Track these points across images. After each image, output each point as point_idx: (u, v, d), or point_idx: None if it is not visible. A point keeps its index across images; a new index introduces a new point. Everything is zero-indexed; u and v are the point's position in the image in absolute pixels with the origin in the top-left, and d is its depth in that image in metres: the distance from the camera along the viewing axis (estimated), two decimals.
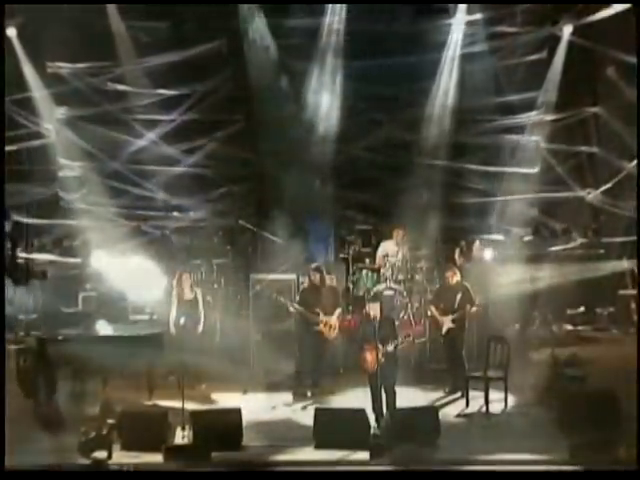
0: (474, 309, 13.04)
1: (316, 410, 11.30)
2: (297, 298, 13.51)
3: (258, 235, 16.78)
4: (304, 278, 13.92)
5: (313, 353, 13.20)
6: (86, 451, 10.16)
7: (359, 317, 13.05)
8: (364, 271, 16.03)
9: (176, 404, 11.48)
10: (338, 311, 13.36)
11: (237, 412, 11.13)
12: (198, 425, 10.91)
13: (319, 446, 10.85)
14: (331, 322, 13.22)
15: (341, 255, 16.72)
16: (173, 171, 17.86)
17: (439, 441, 10.85)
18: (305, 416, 11.87)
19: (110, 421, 10.69)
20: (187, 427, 11.05)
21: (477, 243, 15.76)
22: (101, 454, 10.17)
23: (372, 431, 11.08)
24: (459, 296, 13.00)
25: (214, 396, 12.97)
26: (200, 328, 13.33)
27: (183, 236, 17.68)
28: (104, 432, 10.39)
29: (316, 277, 13.25)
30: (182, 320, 13.14)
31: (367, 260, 16.32)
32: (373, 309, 11.53)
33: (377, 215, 17.66)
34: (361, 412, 11.11)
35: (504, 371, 12.22)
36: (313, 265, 13.59)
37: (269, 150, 17.66)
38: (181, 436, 11.06)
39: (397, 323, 12.13)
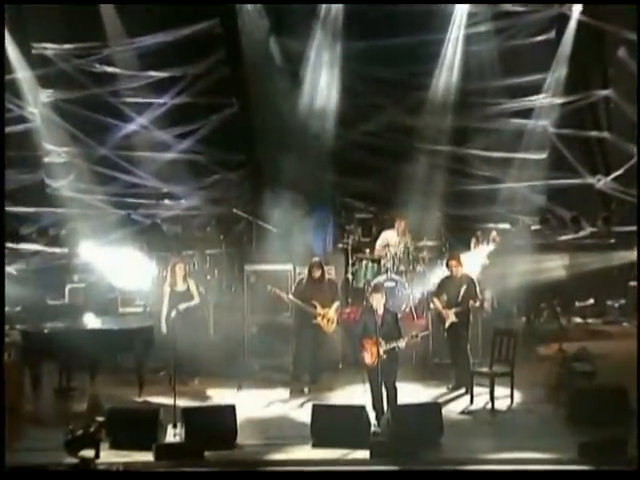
0: (477, 303, 12.99)
1: (314, 407, 11.27)
2: (293, 290, 13.49)
3: (253, 224, 16.74)
4: (301, 269, 13.88)
5: (310, 347, 13.18)
6: (73, 449, 10.13)
7: (360, 309, 13.01)
8: (364, 262, 16.00)
9: (167, 401, 11.46)
10: (336, 304, 13.33)
11: (231, 409, 11.12)
12: (190, 423, 10.88)
13: (317, 445, 10.83)
14: (329, 315, 13.19)
15: (340, 245, 16.68)
16: (164, 157, 17.82)
17: (442, 439, 10.85)
18: (302, 413, 11.85)
19: (98, 418, 10.67)
20: (179, 425, 11.02)
21: (494, 233, 15.64)
22: (88, 453, 10.15)
23: (372, 429, 11.06)
24: (464, 288, 12.97)
25: (207, 392, 12.95)
26: (194, 319, 13.33)
27: (175, 225, 17.65)
28: (92, 430, 10.36)
29: (317, 273, 13.21)
30: (174, 313, 13.11)
31: (367, 250, 16.29)
32: (376, 300, 11.47)
33: (378, 203, 17.62)
34: (361, 409, 11.09)
35: (510, 366, 12.20)
36: (314, 259, 13.53)
37: (265, 135, 17.61)
38: (173, 434, 11.03)
39: (399, 316, 12.11)
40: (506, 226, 16.96)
